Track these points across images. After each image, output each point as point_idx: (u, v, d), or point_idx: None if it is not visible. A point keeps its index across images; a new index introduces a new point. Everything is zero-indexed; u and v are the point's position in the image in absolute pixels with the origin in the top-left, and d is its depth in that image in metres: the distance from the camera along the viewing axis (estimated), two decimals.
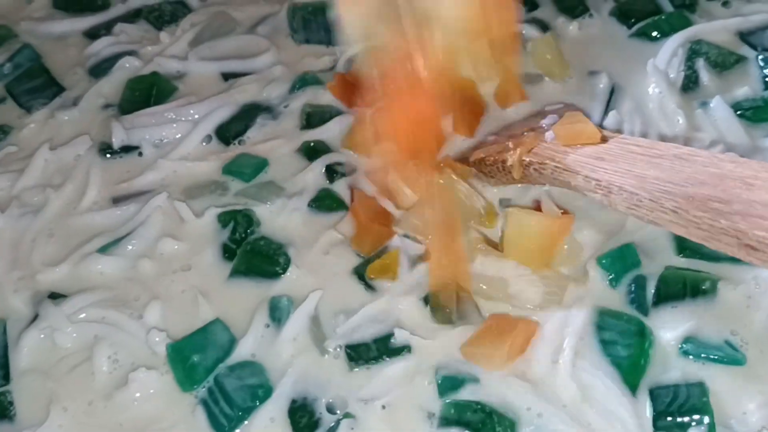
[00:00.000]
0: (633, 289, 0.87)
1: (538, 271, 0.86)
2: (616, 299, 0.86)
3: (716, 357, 0.81)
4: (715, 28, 1.11)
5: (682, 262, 0.89)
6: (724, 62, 1.07)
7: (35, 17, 1.21)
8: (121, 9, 1.20)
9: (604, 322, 0.84)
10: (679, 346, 0.83)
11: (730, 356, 0.81)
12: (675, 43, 1.08)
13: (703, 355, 0.82)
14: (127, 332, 0.86)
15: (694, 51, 1.07)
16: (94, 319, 0.87)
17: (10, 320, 0.89)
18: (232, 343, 0.84)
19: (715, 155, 0.73)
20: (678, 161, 0.73)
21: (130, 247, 0.93)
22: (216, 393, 0.81)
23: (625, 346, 0.82)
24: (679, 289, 0.86)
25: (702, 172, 0.70)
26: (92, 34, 1.18)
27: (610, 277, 0.87)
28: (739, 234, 0.62)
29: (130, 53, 1.13)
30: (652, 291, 0.86)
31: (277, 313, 0.86)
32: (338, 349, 0.83)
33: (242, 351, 0.84)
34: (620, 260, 0.88)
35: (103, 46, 1.15)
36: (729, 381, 0.80)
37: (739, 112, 1.01)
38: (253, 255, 0.91)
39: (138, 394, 0.81)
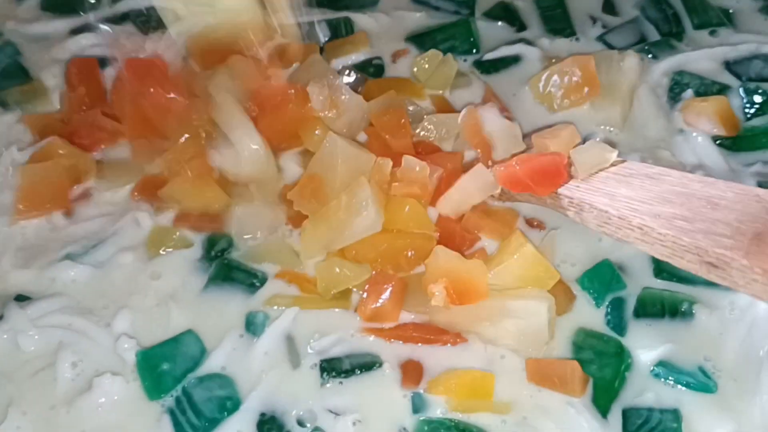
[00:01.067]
0: (609, 310, 0.91)
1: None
2: (597, 318, 0.91)
3: (688, 382, 0.86)
4: (700, 56, 1.17)
5: (659, 283, 0.93)
6: (707, 92, 1.13)
7: (22, 18, 1.26)
8: (108, 12, 1.25)
9: (584, 341, 0.89)
10: (651, 368, 0.87)
11: (702, 383, 0.85)
12: (658, 72, 1.14)
13: (673, 379, 0.86)
14: (93, 340, 0.88)
15: (676, 82, 1.13)
16: (60, 324, 0.90)
17: None
18: (203, 354, 0.88)
19: (685, 175, 0.78)
20: (648, 180, 0.79)
21: (101, 255, 0.96)
22: (183, 403, 0.84)
23: (601, 367, 0.86)
24: (657, 309, 0.91)
25: (670, 192, 0.75)
26: (76, 33, 1.22)
27: (594, 296, 0.92)
28: (700, 251, 0.67)
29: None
30: (630, 311, 0.91)
31: (252, 328, 0.90)
32: (313, 366, 0.86)
33: (213, 363, 0.87)
34: (598, 278, 0.92)
35: (86, 44, 1.19)
36: (701, 408, 0.84)
37: (718, 141, 1.07)
38: (231, 268, 0.95)
39: (102, 400, 0.84)
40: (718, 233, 0.67)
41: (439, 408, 0.84)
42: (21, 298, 0.92)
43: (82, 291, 0.93)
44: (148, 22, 1.22)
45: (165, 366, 0.85)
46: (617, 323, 0.90)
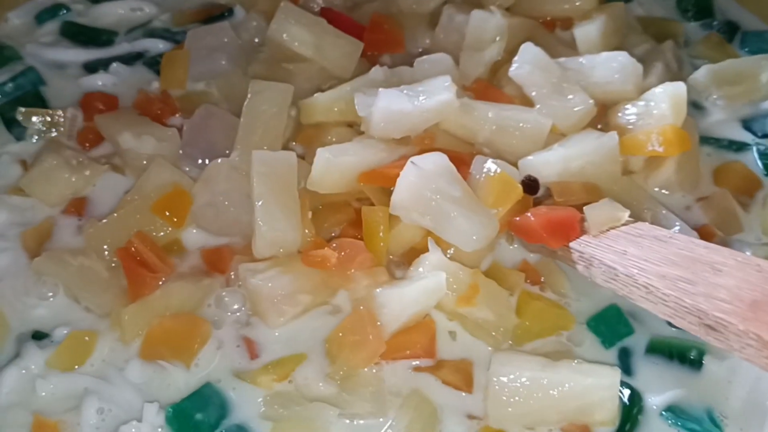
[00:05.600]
0: (619, 353, 1.03)
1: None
2: (607, 360, 1.02)
3: (695, 429, 0.97)
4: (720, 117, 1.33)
5: (672, 331, 1.05)
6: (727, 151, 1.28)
7: (42, 41, 1.40)
8: (125, 48, 1.38)
9: None
10: (661, 412, 0.98)
11: (708, 431, 0.96)
12: None
13: (681, 425, 0.97)
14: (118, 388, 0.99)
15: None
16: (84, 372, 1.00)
17: None
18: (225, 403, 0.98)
19: (691, 240, 0.90)
20: (656, 242, 0.90)
21: None
22: None
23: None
24: (666, 355, 1.03)
25: (676, 254, 0.87)
26: (91, 68, 1.35)
27: (601, 339, 1.04)
28: (701, 314, 0.78)
29: None
30: (641, 355, 1.03)
31: None
32: None
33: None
34: (605, 322, 1.04)
35: (101, 83, 1.32)
36: None
37: None
38: None
39: None
40: (719, 298, 0.78)
41: None
42: (39, 336, 1.03)
43: None
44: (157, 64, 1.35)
45: (199, 416, 0.96)
46: (627, 367, 1.02)
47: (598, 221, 0.96)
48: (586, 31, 1.29)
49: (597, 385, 0.94)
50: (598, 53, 1.22)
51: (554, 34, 1.37)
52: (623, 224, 0.97)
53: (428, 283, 0.98)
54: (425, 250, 1.03)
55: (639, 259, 0.88)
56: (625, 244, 0.92)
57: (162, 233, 1.10)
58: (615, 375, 0.95)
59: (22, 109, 1.25)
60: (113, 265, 1.07)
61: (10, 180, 1.20)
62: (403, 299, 0.98)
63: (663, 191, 1.20)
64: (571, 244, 0.96)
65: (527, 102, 1.18)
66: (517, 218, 1.00)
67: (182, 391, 0.99)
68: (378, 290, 0.99)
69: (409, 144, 1.11)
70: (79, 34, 1.41)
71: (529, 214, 0.99)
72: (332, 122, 1.18)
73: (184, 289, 1.04)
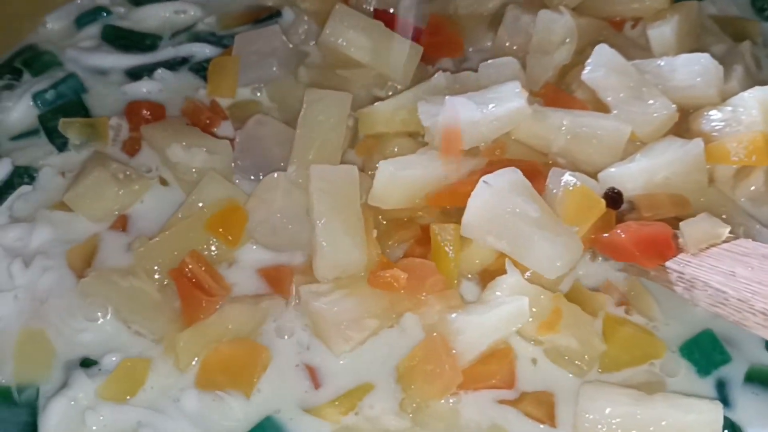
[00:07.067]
0: (717, 383, 0.95)
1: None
2: (703, 389, 0.94)
3: None
4: None
5: None
6: None
7: (82, 47, 1.33)
8: (170, 53, 1.31)
9: None
10: None
11: None
12: None
13: None
14: (170, 418, 0.92)
15: None
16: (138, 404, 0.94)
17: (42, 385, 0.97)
18: None
19: None
20: (767, 261, 0.81)
21: None
22: None
23: None
24: (767, 385, 0.95)
25: None
26: (134, 74, 1.29)
27: (696, 367, 0.96)
28: None
29: None
30: (738, 385, 0.95)
31: None
32: None
33: None
34: (699, 349, 0.96)
35: (146, 90, 1.26)
36: None
37: None
38: None
39: None
40: None
41: None
42: (87, 363, 0.97)
43: None
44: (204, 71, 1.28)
45: None
46: (725, 398, 0.94)
47: (697, 238, 0.88)
48: (661, 32, 1.21)
49: (698, 422, 0.86)
50: (674, 55, 1.14)
51: (624, 35, 1.29)
52: (723, 241, 0.88)
53: (510, 308, 0.91)
54: (499, 270, 0.96)
55: (750, 281, 0.80)
56: (732, 264, 0.83)
57: (216, 252, 1.03)
58: (717, 410, 0.86)
59: (64, 119, 1.20)
60: (165, 284, 1.00)
61: (53, 194, 1.14)
62: (483, 326, 0.90)
63: (751, 203, 1.11)
64: (668, 264, 0.88)
65: (600, 107, 1.10)
66: (606, 235, 0.92)
67: (242, 424, 0.92)
68: (453, 316, 0.91)
69: (478, 155, 1.04)
70: (120, 38, 1.34)
71: (618, 231, 0.91)
72: (393, 132, 1.11)
73: (242, 312, 0.97)
